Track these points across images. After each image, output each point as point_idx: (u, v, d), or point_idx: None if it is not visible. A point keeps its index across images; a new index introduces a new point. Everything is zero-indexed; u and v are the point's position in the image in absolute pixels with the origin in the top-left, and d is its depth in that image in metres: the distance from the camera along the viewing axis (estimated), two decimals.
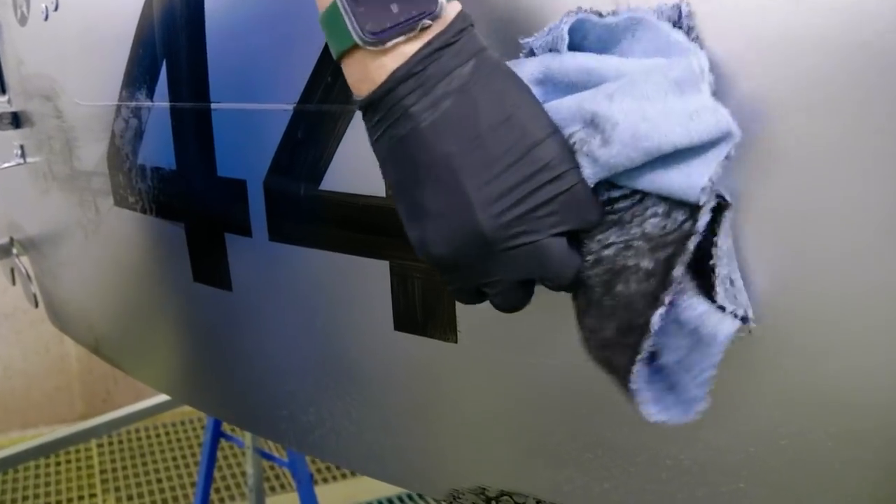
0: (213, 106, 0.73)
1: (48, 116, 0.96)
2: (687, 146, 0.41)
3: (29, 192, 1.09)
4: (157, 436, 2.80)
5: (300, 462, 2.01)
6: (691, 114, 0.41)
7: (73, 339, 1.14)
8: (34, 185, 1.06)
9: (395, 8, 0.42)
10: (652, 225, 0.44)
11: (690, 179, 0.42)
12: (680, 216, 0.43)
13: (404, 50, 0.43)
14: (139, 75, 0.79)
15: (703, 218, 0.42)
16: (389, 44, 0.42)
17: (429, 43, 0.43)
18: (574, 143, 0.44)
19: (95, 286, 0.98)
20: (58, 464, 2.63)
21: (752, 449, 0.55)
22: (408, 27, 0.42)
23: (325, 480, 2.56)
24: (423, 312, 0.65)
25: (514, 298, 0.48)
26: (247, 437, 2.07)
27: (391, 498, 2.47)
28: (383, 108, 0.44)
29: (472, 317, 0.63)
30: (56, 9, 0.88)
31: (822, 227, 0.44)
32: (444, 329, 0.65)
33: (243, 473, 2.58)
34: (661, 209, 0.44)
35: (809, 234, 0.45)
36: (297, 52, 0.67)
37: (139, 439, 2.78)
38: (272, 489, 2.53)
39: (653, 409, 0.44)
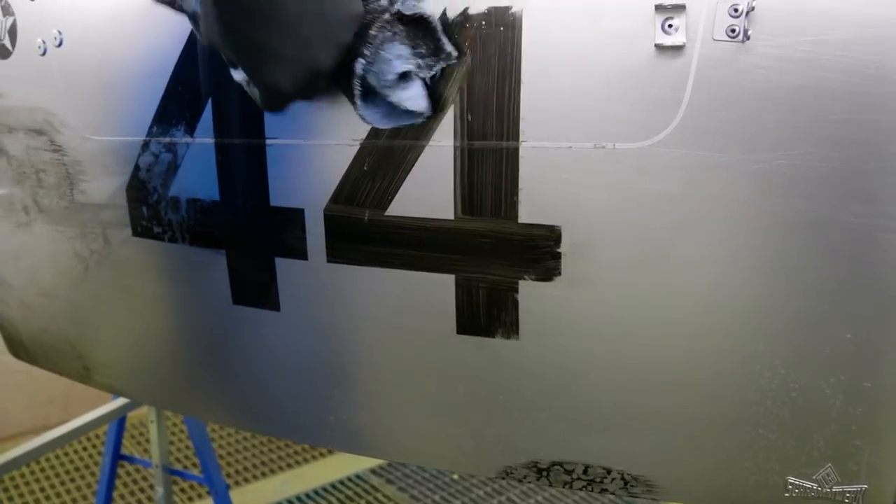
0: (268, 142, 0.79)
1: (38, 150, 0.96)
2: None
3: None
4: (49, 467, 2.65)
5: (215, 474, 2.02)
6: None
7: (47, 369, 1.13)
8: (2, 217, 1.04)
9: None
10: None
11: None
12: None
13: None
14: (176, 112, 0.83)
15: None
16: None
17: None
18: None
19: (97, 315, 0.99)
20: None
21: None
22: None
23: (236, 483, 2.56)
24: (487, 316, 0.76)
25: None
26: (154, 456, 2.04)
27: (291, 499, 2.51)
28: None
29: (535, 316, 0.75)
30: (59, 45, 0.89)
31: None
32: (508, 328, 0.76)
33: (142, 490, 2.52)
34: None
35: None
36: None
37: (22, 475, 2.61)
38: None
39: None
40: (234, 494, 2.47)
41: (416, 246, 0.76)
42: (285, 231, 0.81)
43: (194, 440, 1.99)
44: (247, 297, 0.86)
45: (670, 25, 0.64)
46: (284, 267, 0.83)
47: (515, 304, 0.75)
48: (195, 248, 0.87)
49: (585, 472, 0.79)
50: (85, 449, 2.76)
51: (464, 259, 0.75)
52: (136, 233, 0.91)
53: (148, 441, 2.00)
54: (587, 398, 0.77)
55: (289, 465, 2.68)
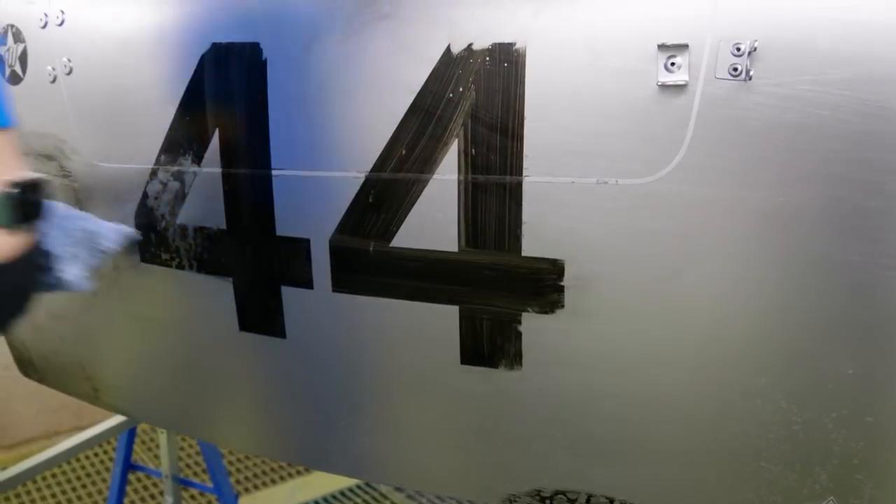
0: (274, 173, 0.79)
1: (48, 175, 0.97)
2: None
3: None
4: (60, 473, 2.67)
5: (224, 483, 2.03)
6: None
7: (57, 388, 1.14)
8: None
9: None
10: None
11: None
12: None
13: None
14: (184, 142, 0.83)
15: None
16: None
17: None
18: None
19: (106, 338, 1.00)
20: None
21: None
22: None
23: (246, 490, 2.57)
24: (490, 347, 0.77)
25: None
26: (164, 466, 2.06)
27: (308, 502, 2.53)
28: None
29: (538, 348, 0.75)
30: (69, 73, 0.90)
31: None
32: (511, 359, 0.76)
33: (153, 496, 2.54)
34: None
35: None
36: (367, 125, 0.75)
37: (34, 482, 2.63)
38: None
39: None
40: (244, 501, 2.48)
41: (420, 277, 0.76)
42: (291, 260, 0.82)
43: (203, 448, 2.00)
44: (253, 324, 0.87)
45: (673, 64, 0.64)
46: (290, 295, 0.83)
47: (519, 335, 0.75)
48: (202, 275, 0.88)
49: (588, 501, 0.79)
50: (97, 455, 2.78)
51: (467, 291, 0.75)
52: (144, 259, 0.91)
53: (158, 447, 2.01)
54: (590, 429, 0.77)
55: (298, 473, 2.69)
